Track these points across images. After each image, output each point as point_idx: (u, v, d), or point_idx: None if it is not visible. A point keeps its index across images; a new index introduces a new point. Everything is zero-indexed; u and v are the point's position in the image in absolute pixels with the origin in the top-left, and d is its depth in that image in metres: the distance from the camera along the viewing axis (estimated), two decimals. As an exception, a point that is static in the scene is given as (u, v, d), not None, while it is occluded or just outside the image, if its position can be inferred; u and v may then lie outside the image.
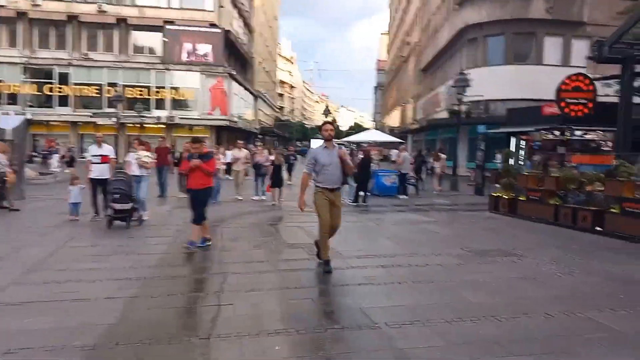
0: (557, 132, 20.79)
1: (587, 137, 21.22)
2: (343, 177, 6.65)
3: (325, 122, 6.85)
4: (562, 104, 11.11)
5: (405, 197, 16.82)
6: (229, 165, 18.97)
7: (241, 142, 16.37)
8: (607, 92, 21.47)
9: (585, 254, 7.97)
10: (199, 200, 7.93)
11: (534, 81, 26.05)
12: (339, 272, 6.54)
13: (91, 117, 38.06)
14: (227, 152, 20.44)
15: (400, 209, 14.21)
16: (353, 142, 32.91)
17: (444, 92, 34.16)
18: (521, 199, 12.38)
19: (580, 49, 26.98)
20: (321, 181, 6.54)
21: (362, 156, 15.72)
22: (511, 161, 13.25)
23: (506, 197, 12.92)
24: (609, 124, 20.09)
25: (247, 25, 54.69)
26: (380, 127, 73.07)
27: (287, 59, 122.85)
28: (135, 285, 5.76)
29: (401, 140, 31.82)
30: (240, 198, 14.87)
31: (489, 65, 27.19)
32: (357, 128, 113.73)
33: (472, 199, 17.21)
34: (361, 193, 15.18)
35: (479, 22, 27.45)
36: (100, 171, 10.44)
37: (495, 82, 25.84)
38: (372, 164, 15.99)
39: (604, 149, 21.27)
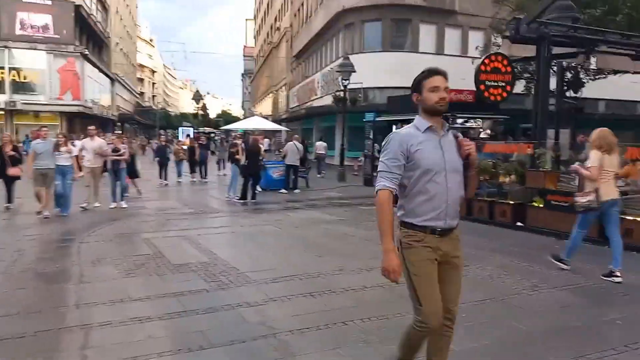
0: (439, 120, 20.75)
1: (467, 125, 21.58)
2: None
3: (433, 72, 3.10)
4: (482, 87, 10.41)
5: (297, 191, 15.31)
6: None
7: (93, 127, 11.97)
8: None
9: (528, 257, 7.02)
10: None
11: (411, 69, 25.79)
12: (255, 310, 4.71)
13: None
14: (77, 142, 17.16)
15: (295, 205, 12.60)
16: (231, 130, 30.67)
17: (320, 79, 33.25)
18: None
19: (453, 37, 27.63)
20: (422, 212, 2.87)
21: (250, 146, 13.78)
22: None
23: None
24: (487, 111, 20.57)
25: (100, 1, 49.03)
26: (250, 116, 70.91)
27: (147, 42, 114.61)
28: None
29: (287, 129, 30.23)
30: (97, 205, 11.22)
31: (367, 52, 26.61)
32: (226, 116, 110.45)
33: (364, 191, 16.13)
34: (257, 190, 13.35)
35: (356, 5, 26.70)
36: None
37: (373, 69, 25.26)
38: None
39: (483, 136, 21.76)
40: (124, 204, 11.60)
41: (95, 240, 7.97)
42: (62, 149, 10.08)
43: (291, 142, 16.34)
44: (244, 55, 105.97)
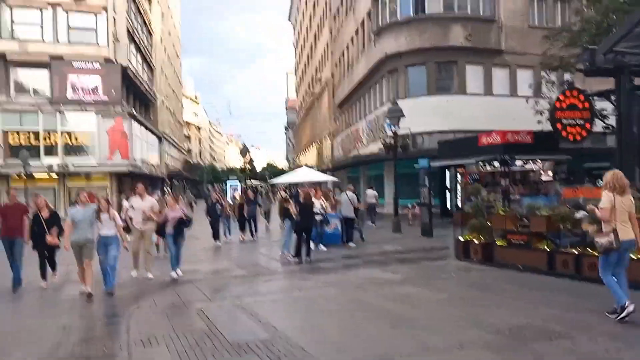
0: (496, 163, 19.69)
1: (527, 167, 20.42)
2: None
3: None
4: (559, 126, 9.47)
5: (352, 244, 14.45)
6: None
7: (141, 185, 11.03)
8: (540, 119, 20.94)
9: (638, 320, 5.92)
10: None
11: (459, 112, 25.26)
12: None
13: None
14: (125, 202, 16.95)
15: (353, 262, 11.76)
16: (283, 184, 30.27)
17: (365, 127, 32.83)
18: (499, 243, 10.41)
19: (501, 77, 26.80)
20: None
21: (302, 199, 13.16)
22: (479, 197, 11.24)
23: (478, 241, 10.92)
24: (547, 153, 19.39)
25: (146, 62, 51.00)
26: (294, 167, 71.21)
27: (192, 99, 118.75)
28: None
29: (335, 179, 29.72)
30: (150, 277, 10.10)
31: (411, 97, 26.05)
32: (271, 168, 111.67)
33: (423, 242, 15.21)
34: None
35: (398, 51, 26.39)
36: None
37: (419, 114, 24.62)
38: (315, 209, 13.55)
39: (544, 179, 20.51)
40: (179, 272, 10.13)
41: (146, 313, 7.37)
42: (104, 215, 8.71)
43: (345, 193, 15.67)
44: (286, 108, 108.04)
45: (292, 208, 12.98)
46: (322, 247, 13.87)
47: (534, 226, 9.56)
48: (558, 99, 9.59)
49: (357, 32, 33.83)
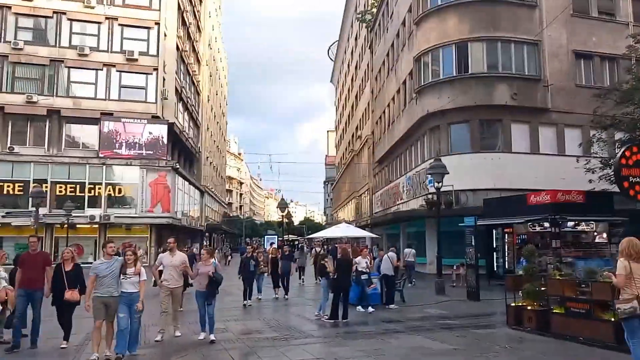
0: (546, 224, 18.64)
1: (580, 228, 19.24)
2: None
3: None
4: (626, 184, 8.71)
5: (393, 306, 13.63)
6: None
7: (172, 240, 10.43)
8: (592, 179, 19.90)
9: None
10: None
11: (505, 169, 24.43)
12: None
13: (3, 216, 33.26)
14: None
15: (394, 327, 10.93)
16: (319, 239, 29.67)
17: (406, 183, 32.23)
18: (556, 311, 9.46)
19: (548, 136, 25.96)
20: None
21: (340, 256, 12.57)
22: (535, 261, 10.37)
23: (532, 308, 9.98)
24: (601, 214, 18.26)
25: (193, 119, 52.53)
26: (331, 222, 70.62)
27: (236, 155, 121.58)
28: None
29: (375, 235, 28.95)
30: (177, 334, 9.61)
31: (453, 154, 25.42)
32: (308, 222, 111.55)
33: (469, 307, 14.19)
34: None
35: (441, 109, 26.06)
36: None
37: (462, 171, 23.93)
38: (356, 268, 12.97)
39: (598, 241, 19.22)
40: (212, 337, 9.21)
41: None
42: (129, 270, 7.86)
43: (391, 253, 14.97)
44: (326, 164, 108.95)
45: (330, 265, 12.40)
46: (370, 308, 13.05)
47: (595, 293, 8.62)
48: (624, 156, 8.84)
49: (398, 91, 33.90)
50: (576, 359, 7.87)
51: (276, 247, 20.15)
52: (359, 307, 13.01)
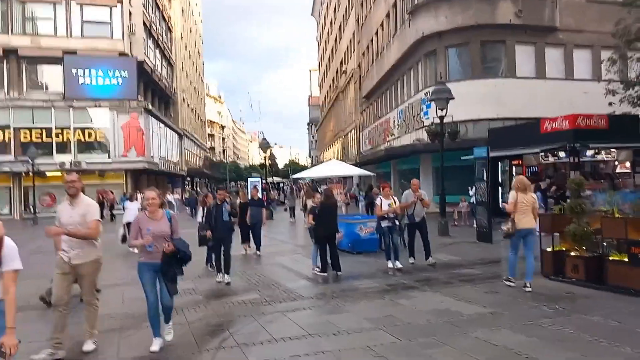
0: (562, 154, 16.53)
1: (599, 157, 17.18)
2: None
3: None
4: None
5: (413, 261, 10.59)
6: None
7: (73, 176, 5.57)
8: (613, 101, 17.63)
9: None
10: None
11: (509, 97, 22.06)
12: None
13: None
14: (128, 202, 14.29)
15: (401, 281, 8.83)
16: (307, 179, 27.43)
17: (398, 117, 29.80)
18: (615, 258, 7.38)
19: (555, 58, 23.48)
20: None
21: (324, 199, 10.25)
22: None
23: (579, 254, 7.90)
24: (626, 140, 16.13)
25: (165, 58, 48.83)
26: (316, 164, 68.37)
27: (216, 98, 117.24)
28: None
29: (372, 173, 26.68)
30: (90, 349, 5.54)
31: (453, 81, 22.84)
32: (293, 165, 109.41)
33: (483, 251, 12.18)
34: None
35: (438, 30, 23.27)
36: None
37: (462, 100, 21.39)
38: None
39: (620, 171, 17.24)
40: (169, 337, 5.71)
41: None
42: None
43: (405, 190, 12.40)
44: (309, 105, 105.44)
45: (312, 202, 10.31)
46: (398, 263, 9.96)
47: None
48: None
49: (388, 14, 30.80)
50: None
51: (244, 191, 15.35)
52: (397, 262, 10.03)
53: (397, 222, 10.05)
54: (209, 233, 9.33)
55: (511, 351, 5.02)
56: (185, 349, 5.52)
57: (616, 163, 17.02)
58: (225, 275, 9.16)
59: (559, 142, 15.29)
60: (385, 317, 6.39)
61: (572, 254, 8.00)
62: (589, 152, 16.10)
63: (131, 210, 12.93)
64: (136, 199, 13.07)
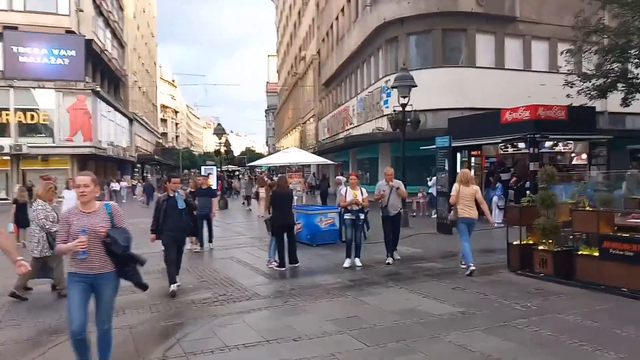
0: (521, 145, 16.47)
1: (556, 149, 17.22)
2: None
3: None
4: None
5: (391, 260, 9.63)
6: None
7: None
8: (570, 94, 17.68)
9: None
10: None
11: (467, 87, 21.98)
12: None
13: None
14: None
15: (363, 276, 8.34)
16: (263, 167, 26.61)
17: (357, 105, 29.36)
18: (584, 253, 7.10)
19: (514, 49, 23.55)
20: None
21: (276, 187, 9.66)
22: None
23: (546, 249, 7.61)
24: (583, 132, 16.20)
25: (116, 38, 46.60)
26: (273, 152, 67.39)
27: (169, 82, 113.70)
28: None
29: (333, 162, 26.11)
30: None
31: (414, 70, 22.50)
32: (249, 153, 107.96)
33: (444, 243, 11.87)
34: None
35: (400, 16, 22.86)
36: None
37: (422, 89, 21.17)
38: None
39: (576, 163, 17.35)
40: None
41: None
42: None
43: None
44: (267, 92, 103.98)
45: (263, 194, 9.71)
46: (358, 261, 9.18)
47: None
48: None
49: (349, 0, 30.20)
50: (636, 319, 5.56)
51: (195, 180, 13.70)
52: (357, 260, 9.25)
53: (361, 216, 9.22)
54: (152, 237, 7.58)
55: (490, 358, 4.58)
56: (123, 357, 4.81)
57: (573, 155, 17.11)
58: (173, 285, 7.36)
59: (519, 133, 15.16)
60: (350, 319, 5.85)
61: (540, 247, 7.71)
62: (548, 144, 16.07)
63: (70, 201, 11.44)
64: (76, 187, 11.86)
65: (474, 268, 8.00)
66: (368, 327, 5.56)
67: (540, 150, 15.61)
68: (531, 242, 8.07)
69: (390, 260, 9.42)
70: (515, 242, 8.29)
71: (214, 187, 32.65)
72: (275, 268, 9.02)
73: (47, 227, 7.14)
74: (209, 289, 7.68)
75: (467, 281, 7.68)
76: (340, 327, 5.53)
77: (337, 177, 22.51)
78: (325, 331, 5.44)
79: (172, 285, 7.25)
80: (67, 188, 11.21)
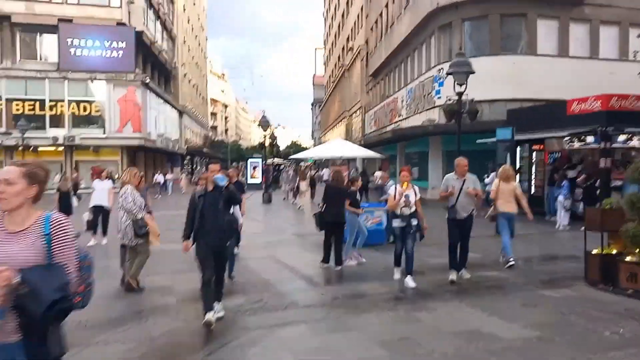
0: (590, 139, 14.96)
1: (631, 144, 15.59)
2: None
3: None
4: None
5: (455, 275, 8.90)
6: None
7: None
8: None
9: None
10: None
11: (527, 76, 20.42)
12: None
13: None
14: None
15: (417, 285, 7.40)
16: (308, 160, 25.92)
17: (406, 97, 28.14)
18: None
19: (579, 35, 21.76)
20: None
21: (331, 181, 8.90)
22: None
23: (639, 260, 6.44)
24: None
25: (167, 30, 46.98)
26: (319, 145, 66.68)
27: (219, 76, 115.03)
28: None
29: (381, 155, 25.17)
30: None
31: (469, 58, 21.19)
32: (295, 147, 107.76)
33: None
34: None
35: (454, 1, 21.51)
36: None
37: (476, 79, 19.79)
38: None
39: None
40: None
41: None
42: None
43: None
44: (314, 85, 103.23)
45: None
46: (410, 281, 7.27)
47: None
48: None
49: (400, -16, 28.93)
50: None
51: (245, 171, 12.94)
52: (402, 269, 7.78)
53: (413, 222, 7.38)
54: (185, 245, 5.77)
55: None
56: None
57: (648, 150, 15.45)
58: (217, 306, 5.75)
59: (589, 125, 13.71)
60: (401, 341, 4.96)
61: (628, 259, 6.54)
62: (621, 138, 14.50)
63: (100, 192, 10.71)
64: (108, 177, 11.12)
65: (513, 262, 8.25)
66: (425, 352, 4.65)
67: (612, 145, 14.12)
68: (614, 251, 6.90)
69: (454, 276, 7.51)
70: (594, 251, 7.13)
71: (259, 180, 32.63)
72: (321, 266, 8.36)
73: (134, 211, 6.87)
74: (242, 293, 6.95)
75: (538, 295, 6.62)
76: (391, 352, 4.65)
77: (375, 172, 21.26)
78: (374, 356, 4.57)
79: (207, 314, 5.44)
80: (98, 177, 10.75)
